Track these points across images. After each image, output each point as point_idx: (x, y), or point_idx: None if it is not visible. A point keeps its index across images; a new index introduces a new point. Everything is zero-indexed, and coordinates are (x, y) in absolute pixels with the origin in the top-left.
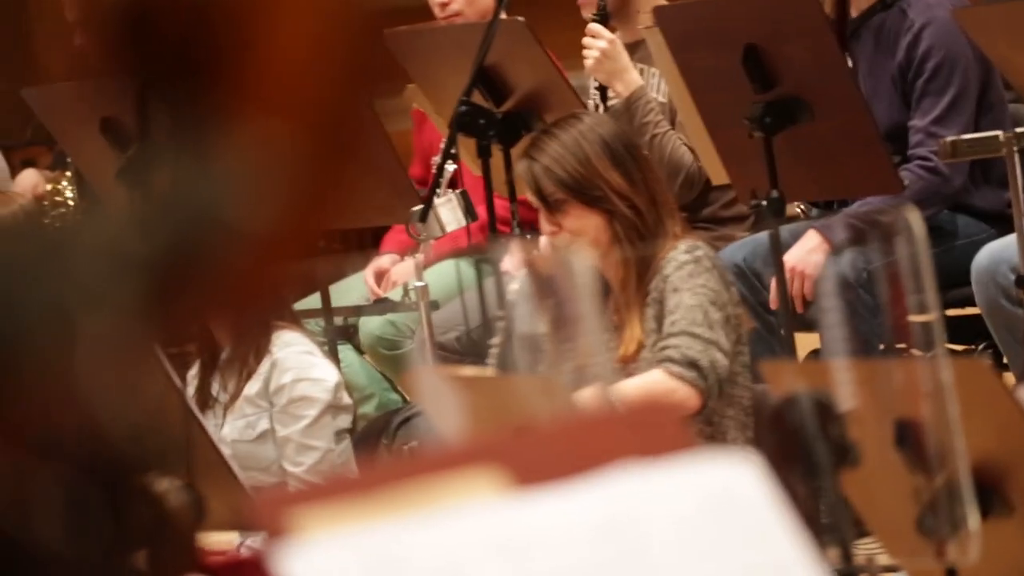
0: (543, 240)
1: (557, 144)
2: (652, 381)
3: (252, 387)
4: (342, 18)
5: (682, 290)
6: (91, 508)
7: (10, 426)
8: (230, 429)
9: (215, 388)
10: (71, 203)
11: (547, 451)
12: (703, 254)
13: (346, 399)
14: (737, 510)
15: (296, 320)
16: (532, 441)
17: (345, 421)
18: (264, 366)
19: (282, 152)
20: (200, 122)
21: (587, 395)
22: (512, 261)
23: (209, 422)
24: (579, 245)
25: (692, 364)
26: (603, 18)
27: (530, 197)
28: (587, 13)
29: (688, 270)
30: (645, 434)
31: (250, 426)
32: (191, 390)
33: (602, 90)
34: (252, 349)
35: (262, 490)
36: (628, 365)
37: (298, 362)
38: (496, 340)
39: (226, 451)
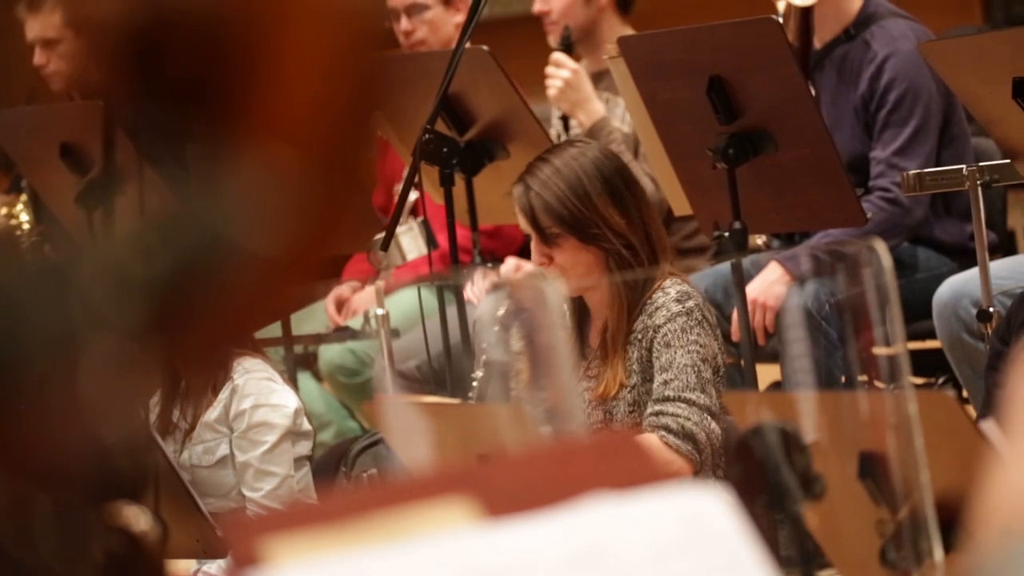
0: (505, 267)
1: (557, 177)
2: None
3: (212, 413)
4: (351, 46)
5: (675, 347)
6: (86, 532)
7: (11, 449)
8: (188, 454)
9: (175, 415)
10: (26, 226)
11: (519, 480)
12: (694, 304)
13: (306, 425)
14: (708, 540)
15: (257, 347)
16: (504, 470)
17: (305, 448)
18: (224, 392)
19: (289, 177)
20: (207, 147)
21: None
22: (475, 290)
23: (168, 448)
24: (564, 279)
25: (689, 437)
26: (567, 47)
27: (523, 225)
28: (552, 41)
29: (680, 324)
30: (616, 464)
31: (209, 451)
32: (152, 417)
33: (565, 119)
34: (213, 377)
35: (231, 518)
36: (606, 402)
37: (258, 388)
38: (477, 372)
39: (185, 477)
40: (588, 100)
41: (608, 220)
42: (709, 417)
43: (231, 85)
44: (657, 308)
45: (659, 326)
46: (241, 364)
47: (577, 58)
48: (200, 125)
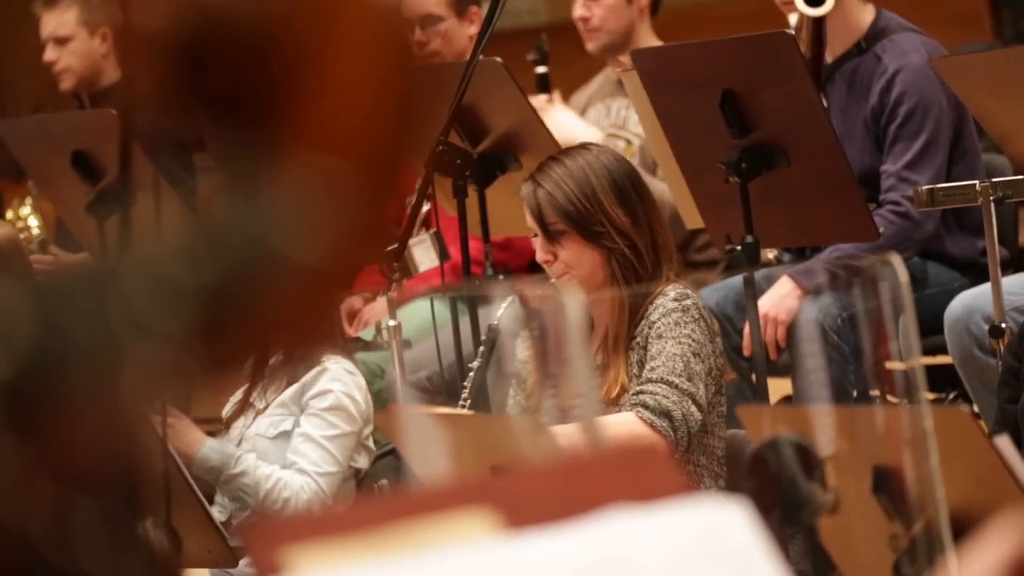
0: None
1: (564, 173)
2: (623, 423)
3: (287, 391)
4: (396, 57)
5: (666, 338)
6: (128, 541)
7: (56, 456)
8: (255, 427)
9: (254, 396)
10: (35, 231)
11: (539, 492)
12: (691, 303)
13: (371, 443)
14: (727, 553)
15: (348, 350)
16: (524, 482)
17: (363, 461)
18: (310, 374)
19: (335, 187)
20: (252, 155)
21: (565, 432)
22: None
23: (240, 422)
24: (570, 278)
25: (665, 414)
26: (543, 58)
27: (529, 222)
28: (591, 48)
29: (674, 318)
30: (636, 476)
31: (274, 425)
32: (232, 401)
33: None
34: (300, 369)
35: (252, 526)
36: (609, 408)
37: (348, 380)
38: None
39: (247, 447)
40: (579, 136)
41: (613, 219)
42: (690, 401)
43: (278, 95)
44: (655, 308)
45: (654, 322)
46: (332, 357)
47: (601, 65)
48: (247, 135)
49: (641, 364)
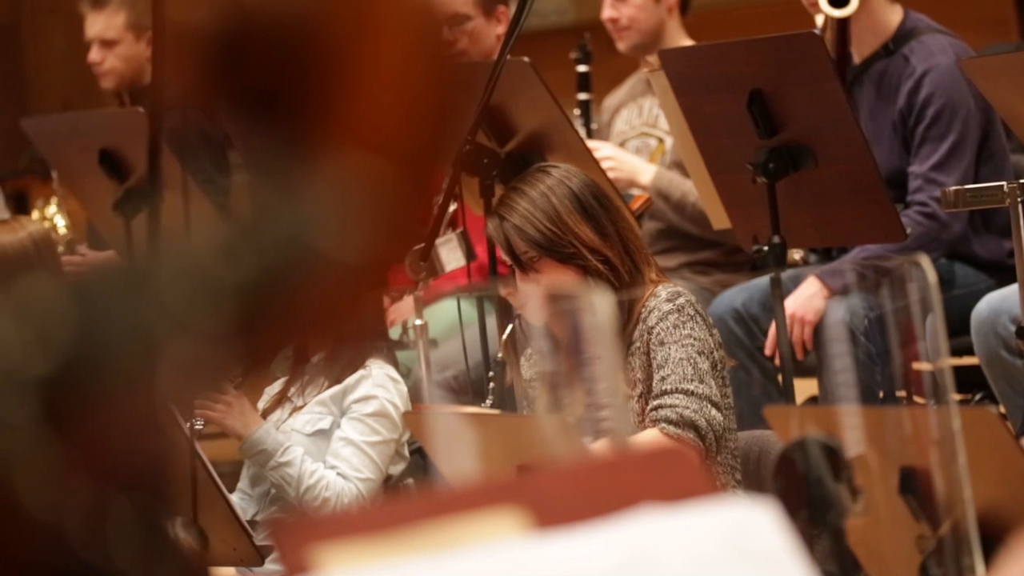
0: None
1: (526, 201)
2: (649, 443)
3: (328, 391)
4: (434, 54)
5: (669, 343)
6: (158, 538)
7: (92, 452)
8: (291, 422)
9: (292, 391)
10: (62, 230)
11: (566, 492)
12: (685, 300)
13: (407, 451)
14: (754, 554)
15: (392, 356)
16: (553, 481)
17: (397, 469)
18: (353, 376)
19: (373, 184)
20: (290, 152)
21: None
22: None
23: (276, 415)
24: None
25: (690, 424)
26: (585, 57)
27: (503, 255)
28: (622, 47)
29: (672, 320)
30: (663, 477)
31: (310, 423)
32: (273, 389)
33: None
34: (345, 370)
35: (281, 525)
36: None
37: (392, 387)
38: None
39: (283, 439)
40: (636, 171)
41: (581, 238)
42: (709, 405)
43: (316, 92)
44: (651, 312)
45: (652, 327)
46: (376, 362)
47: (634, 64)
48: (285, 131)
49: (644, 369)
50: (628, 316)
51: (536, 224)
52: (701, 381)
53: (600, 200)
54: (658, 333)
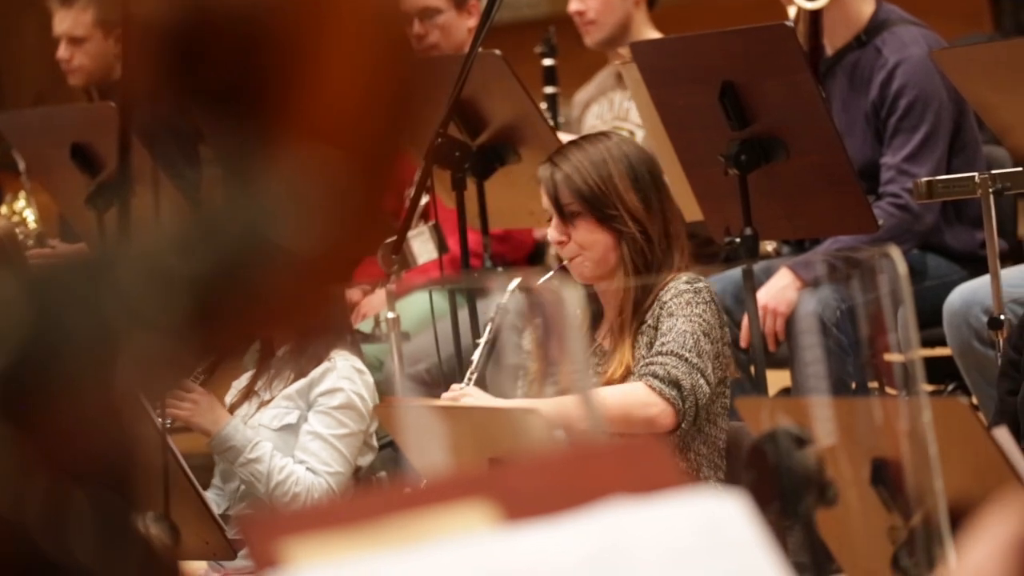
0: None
1: (582, 154)
2: (631, 391)
3: (293, 385)
4: (392, 48)
5: (677, 315)
6: (122, 532)
7: (51, 444)
8: (258, 417)
9: (258, 384)
10: (31, 225)
11: (537, 484)
12: (703, 286)
13: (375, 442)
14: (725, 546)
15: (356, 346)
16: (522, 474)
17: (366, 460)
18: (317, 369)
19: (330, 178)
20: (248, 146)
21: (566, 403)
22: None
23: (243, 410)
24: (582, 260)
25: (674, 383)
26: (551, 51)
27: (545, 204)
28: (589, 42)
29: (686, 298)
30: (635, 468)
31: (277, 418)
32: (240, 383)
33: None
34: (311, 362)
35: (250, 520)
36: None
37: (358, 379)
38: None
39: (251, 435)
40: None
41: (627, 203)
42: (699, 375)
43: (273, 85)
44: (667, 291)
45: (665, 302)
46: (340, 353)
47: (601, 59)
48: (242, 125)
49: (650, 345)
50: (646, 298)
51: (586, 177)
52: (699, 355)
53: (653, 175)
54: (669, 306)
